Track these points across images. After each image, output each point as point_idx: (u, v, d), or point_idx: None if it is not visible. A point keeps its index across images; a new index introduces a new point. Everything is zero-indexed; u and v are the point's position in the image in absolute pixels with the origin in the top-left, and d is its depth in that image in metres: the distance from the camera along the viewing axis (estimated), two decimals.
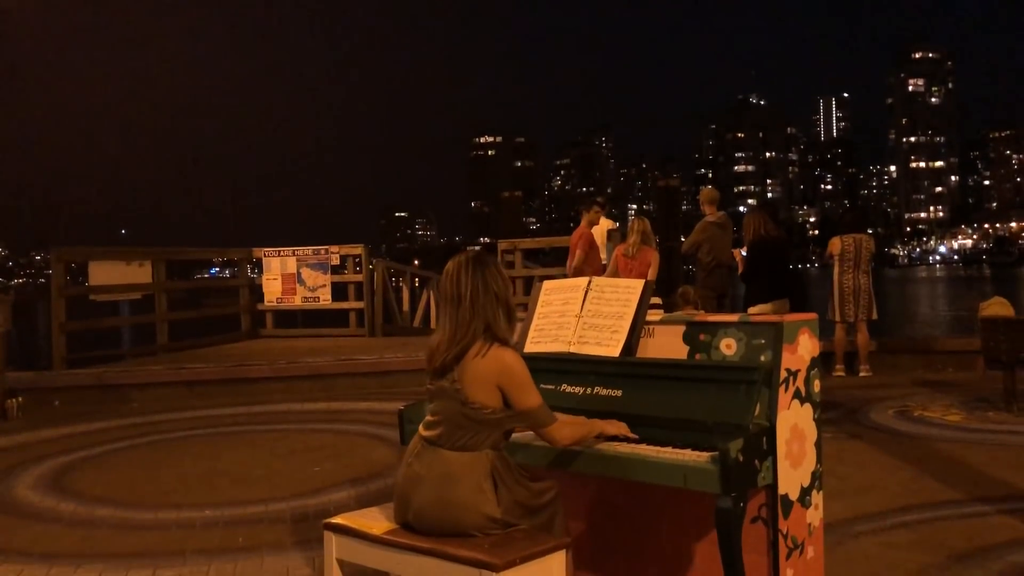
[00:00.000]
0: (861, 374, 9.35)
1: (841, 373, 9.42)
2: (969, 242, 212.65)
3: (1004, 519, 4.50)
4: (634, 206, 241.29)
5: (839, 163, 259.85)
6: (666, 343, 3.22)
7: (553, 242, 15.11)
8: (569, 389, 3.30)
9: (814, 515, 3.05)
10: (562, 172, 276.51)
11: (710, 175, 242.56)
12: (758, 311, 7.98)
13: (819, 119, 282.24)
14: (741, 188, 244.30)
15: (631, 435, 2.97)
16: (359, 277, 13.57)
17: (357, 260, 13.80)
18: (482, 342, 2.83)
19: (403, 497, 2.89)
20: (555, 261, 14.29)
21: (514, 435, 3.07)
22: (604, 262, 10.03)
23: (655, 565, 3.24)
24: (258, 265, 13.88)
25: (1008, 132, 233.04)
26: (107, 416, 8.40)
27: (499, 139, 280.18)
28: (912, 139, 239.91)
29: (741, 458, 2.71)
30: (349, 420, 7.80)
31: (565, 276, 9.58)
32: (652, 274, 9.03)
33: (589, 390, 3.26)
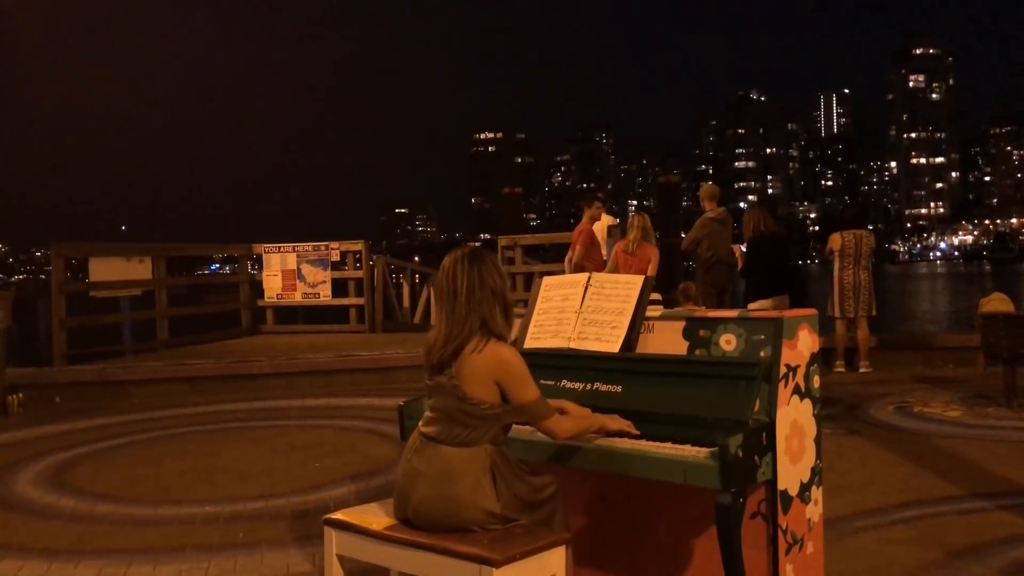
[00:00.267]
0: (861, 370, 9.35)
1: (841, 369, 9.42)
2: (969, 238, 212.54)
3: (1004, 515, 4.50)
4: (634, 202, 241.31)
5: (840, 159, 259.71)
6: (666, 339, 3.22)
7: (553, 238, 15.11)
8: (569, 385, 3.30)
9: (814, 511, 3.05)
10: (562, 168, 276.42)
11: (710, 171, 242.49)
12: (758, 307, 7.98)
13: (820, 115, 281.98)
14: (742, 184, 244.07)
15: (633, 431, 2.96)
16: (359, 273, 13.56)
17: (357, 256, 13.79)
18: (479, 338, 2.83)
19: (403, 493, 2.89)
20: (555, 257, 14.27)
21: (513, 430, 3.08)
22: (604, 258, 10.03)
23: (655, 560, 3.24)
24: (258, 261, 13.88)
25: (1008, 128, 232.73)
26: (107, 412, 8.41)
27: (500, 135, 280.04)
28: (913, 135, 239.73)
29: (741, 454, 2.71)
30: (349, 416, 7.81)
31: (565, 272, 9.59)
32: (652, 270, 9.02)
33: (589, 386, 3.26)
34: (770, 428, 2.85)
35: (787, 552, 2.94)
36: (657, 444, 2.88)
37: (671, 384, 3.08)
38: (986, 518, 4.46)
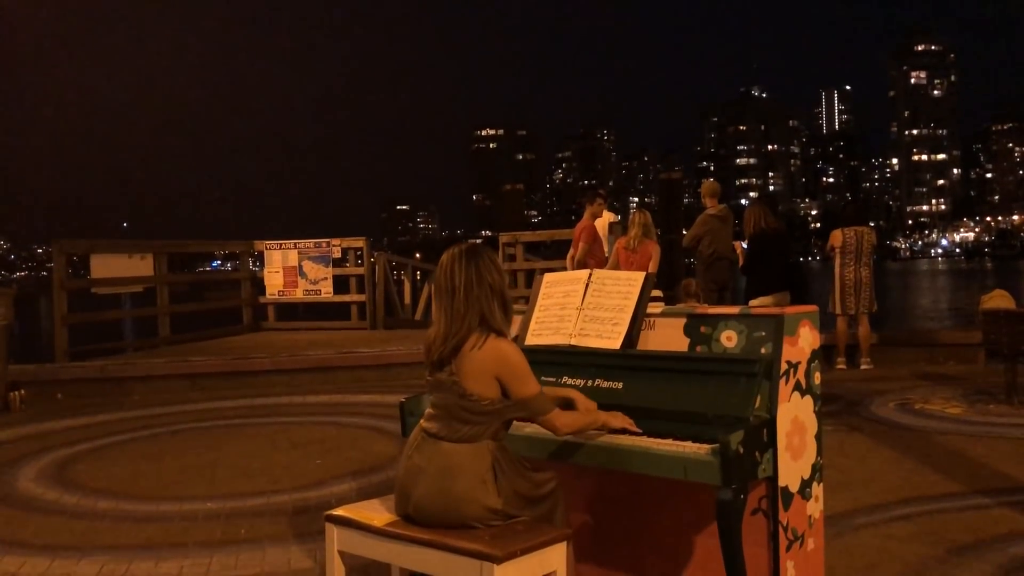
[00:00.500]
0: (862, 367, 9.35)
1: (842, 366, 9.42)
2: (971, 235, 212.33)
3: (1005, 511, 4.50)
4: (636, 199, 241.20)
5: (841, 156, 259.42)
6: (667, 335, 3.22)
7: (554, 235, 15.11)
8: (570, 382, 3.30)
9: (814, 507, 3.05)
10: (564, 165, 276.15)
11: (712, 168, 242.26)
12: (759, 304, 7.98)
13: (821, 112, 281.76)
14: (743, 181, 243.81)
15: (635, 429, 2.96)
16: (360, 270, 13.57)
17: (359, 253, 13.80)
18: (478, 334, 2.83)
19: (404, 489, 2.89)
20: (556, 254, 14.25)
21: (513, 426, 3.08)
22: (606, 255, 10.02)
23: (656, 557, 3.24)
24: (260, 258, 13.89)
25: (1010, 125, 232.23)
26: (109, 409, 8.42)
27: (501, 132, 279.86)
28: (914, 132, 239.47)
29: (741, 450, 2.71)
30: (350, 413, 7.82)
31: (566, 269, 9.59)
32: (653, 267, 9.02)
33: (590, 383, 3.27)
34: (771, 425, 2.85)
35: (788, 548, 2.94)
36: (658, 440, 2.88)
37: (672, 381, 3.09)
38: (987, 515, 4.46)
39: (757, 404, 2.87)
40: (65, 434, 7.27)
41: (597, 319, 3.35)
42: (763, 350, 2.95)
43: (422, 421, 2.97)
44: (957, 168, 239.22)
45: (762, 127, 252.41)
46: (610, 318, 3.32)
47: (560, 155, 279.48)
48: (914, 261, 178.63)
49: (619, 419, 2.99)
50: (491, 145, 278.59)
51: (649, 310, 3.29)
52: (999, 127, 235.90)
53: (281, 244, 13.59)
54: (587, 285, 3.46)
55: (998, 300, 8.05)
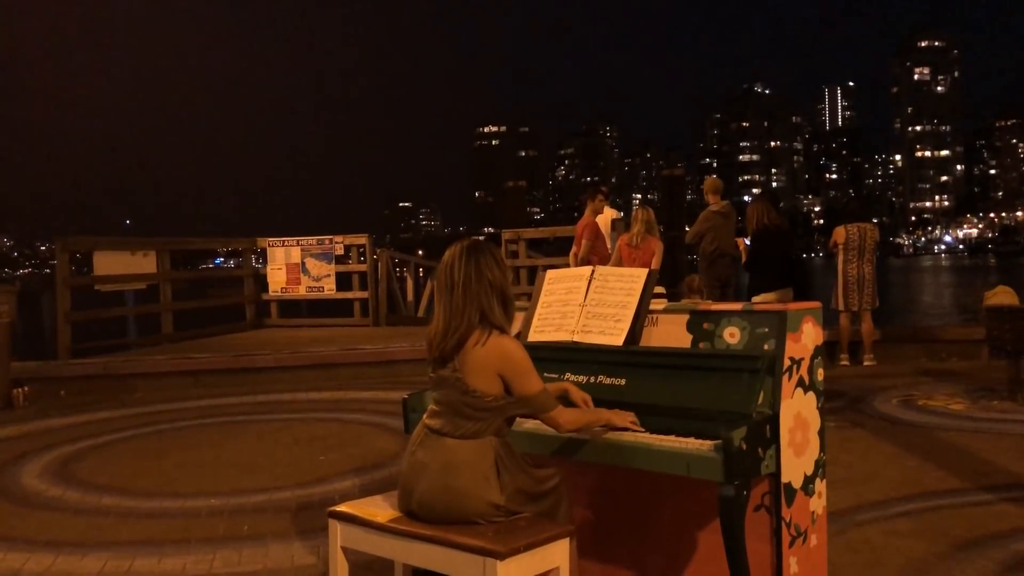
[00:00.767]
0: (865, 363, 9.35)
1: (846, 362, 9.42)
2: (974, 231, 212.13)
3: (1007, 508, 4.50)
4: (638, 195, 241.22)
5: (844, 152, 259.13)
6: (670, 332, 3.22)
7: (557, 232, 15.10)
8: (573, 378, 3.30)
9: (817, 503, 3.05)
10: (566, 162, 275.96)
11: (715, 164, 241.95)
12: (762, 300, 7.98)
13: (824, 108, 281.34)
14: (746, 177, 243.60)
15: (638, 427, 2.96)
16: (363, 267, 13.57)
17: (361, 250, 13.80)
18: (481, 330, 2.83)
19: (407, 485, 2.89)
20: (559, 251, 14.25)
21: (516, 422, 3.08)
22: (609, 252, 10.02)
23: (659, 553, 3.25)
24: (262, 255, 13.89)
25: (1014, 121, 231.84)
26: (112, 405, 8.43)
27: (503, 129, 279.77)
28: (917, 128, 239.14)
29: (744, 446, 2.71)
30: (353, 409, 7.82)
31: (568, 266, 9.58)
32: (656, 263, 9.02)
33: (593, 379, 3.27)
34: (774, 421, 2.85)
35: (791, 545, 2.94)
36: (661, 437, 2.88)
37: (675, 377, 3.08)
38: (989, 511, 4.46)
39: (760, 400, 2.87)
40: (68, 431, 7.29)
41: (600, 316, 3.35)
42: (766, 346, 2.95)
43: (425, 417, 2.97)
44: (960, 164, 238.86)
45: (765, 123, 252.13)
46: (613, 315, 3.32)
47: (562, 152, 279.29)
48: (917, 257, 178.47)
49: (622, 417, 2.98)
50: (493, 142, 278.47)
51: (652, 307, 3.29)
52: (1003, 123, 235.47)
53: (284, 241, 13.59)
54: (590, 282, 3.46)
55: (1001, 296, 8.04)
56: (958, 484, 4.93)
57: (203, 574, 3.98)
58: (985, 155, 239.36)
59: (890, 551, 3.94)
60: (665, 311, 3.27)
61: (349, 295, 13.63)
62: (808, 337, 3.00)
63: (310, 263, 13.37)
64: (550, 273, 3.66)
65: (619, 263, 9.14)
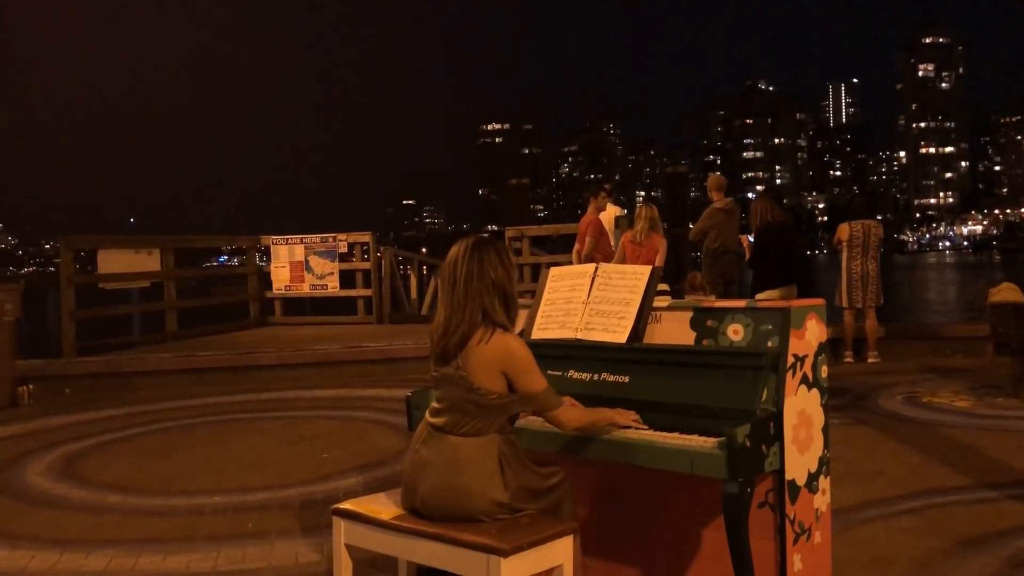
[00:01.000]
0: (870, 360, 9.33)
1: (850, 359, 9.41)
2: (979, 228, 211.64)
3: (1012, 505, 4.49)
4: (642, 193, 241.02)
5: (848, 149, 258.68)
6: (673, 329, 3.21)
7: (560, 229, 15.09)
8: (576, 375, 3.30)
9: (821, 500, 3.05)
10: (570, 159, 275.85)
11: (718, 161, 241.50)
12: (765, 297, 7.97)
13: (828, 105, 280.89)
14: (749, 174, 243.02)
15: (642, 426, 2.96)
16: (367, 265, 13.58)
17: (365, 248, 13.80)
18: (484, 328, 2.83)
19: (411, 483, 2.90)
20: (562, 248, 14.25)
21: (520, 420, 3.08)
22: (613, 248, 10.02)
23: (663, 551, 3.24)
24: (266, 253, 13.90)
25: (1019, 117, 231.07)
26: (117, 403, 8.45)
27: (507, 126, 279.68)
28: (922, 124, 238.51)
29: (748, 443, 2.71)
30: (357, 407, 7.83)
31: (571, 263, 9.58)
32: (660, 261, 9.02)
33: (596, 376, 3.27)
34: (778, 418, 2.84)
35: (795, 542, 2.94)
36: (664, 434, 2.88)
37: (678, 374, 3.08)
38: (994, 508, 4.45)
39: (764, 398, 2.87)
40: (73, 429, 7.30)
41: (603, 313, 3.35)
42: (770, 344, 2.95)
43: (428, 415, 2.97)
44: (965, 161, 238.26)
45: (769, 120, 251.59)
46: (616, 312, 3.31)
47: (566, 149, 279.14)
48: (921, 254, 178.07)
49: (625, 416, 2.98)
50: (497, 139, 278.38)
51: (655, 304, 3.29)
52: (1007, 119, 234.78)
53: (288, 239, 13.60)
54: (593, 279, 3.45)
55: (1006, 293, 8.02)
56: (962, 481, 4.93)
57: (207, 571, 3.98)
58: (990, 151, 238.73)
59: (894, 548, 3.93)
60: (669, 308, 3.27)
61: (353, 293, 13.64)
62: (812, 334, 3.00)
63: (314, 261, 13.38)
64: (553, 270, 3.66)
65: (623, 260, 9.14)
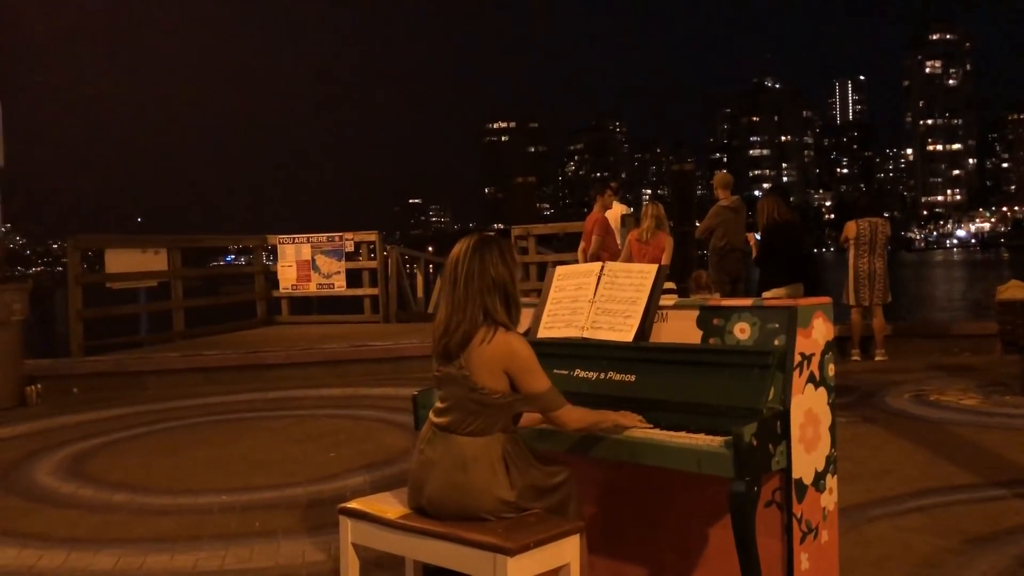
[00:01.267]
0: (877, 358, 9.31)
1: (857, 357, 9.39)
2: (987, 225, 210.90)
3: (1020, 503, 4.48)
4: (648, 191, 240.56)
5: (855, 146, 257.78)
6: (680, 328, 3.21)
7: (566, 227, 15.08)
8: (582, 374, 3.30)
9: (828, 499, 3.04)
10: (576, 157, 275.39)
11: (725, 159, 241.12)
12: (772, 295, 7.96)
13: (835, 102, 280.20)
14: (756, 172, 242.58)
15: (646, 426, 2.95)
16: (373, 264, 13.59)
17: (371, 247, 13.82)
18: (487, 328, 2.82)
19: (417, 482, 2.90)
20: (568, 246, 14.25)
21: (524, 420, 3.08)
22: (619, 247, 10.00)
23: (669, 550, 3.24)
24: (273, 252, 13.93)
25: None
26: (124, 403, 8.47)
27: (512, 124, 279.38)
28: (929, 122, 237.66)
29: (755, 442, 2.71)
30: (364, 406, 7.84)
31: (577, 261, 9.57)
32: (666, 259, 9.00)
33: (602, 375, 3.26)
34: (784, 417, 2.84)
35: (802, 541, 2.93)
36: (671, 433, 2.87)
37: (685, 373, 3.08)
38: (1002, 506, 4.44)
39: (770, 396, 2.86)
40: (81, 428, 7.32)
41: (609, 311, 3.34)
42: (776, 342, 2.94)
43: (432, 414, 2.97)
44: (972, 158, 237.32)
45: (775, 118, 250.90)
46: (622, 310, 3.31)
47: (572, 147, 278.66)
48: (929, 252, 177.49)
49: (629, 418, 2.96)
50: (503, 138, 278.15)
51: (662, 302, 3.28)
52: (1015, 116, 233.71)
53: (294, 238, 13.62)
54: (599, 278, 3.45)
55: (1014, 290, 7.99)
56: (971, 479, 4.91)
57: (215, 570, 3.99)
58: (997, 149, 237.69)
59: (902, 547, 3.92)
60: (675, 307, 3.26)
61: (359, 292, 13.65)
62: (819, 332, 2.99)
63: (320, 260, 13.39)
64: (559, 269, 3.66)
65: (629, 259, 9.13)
